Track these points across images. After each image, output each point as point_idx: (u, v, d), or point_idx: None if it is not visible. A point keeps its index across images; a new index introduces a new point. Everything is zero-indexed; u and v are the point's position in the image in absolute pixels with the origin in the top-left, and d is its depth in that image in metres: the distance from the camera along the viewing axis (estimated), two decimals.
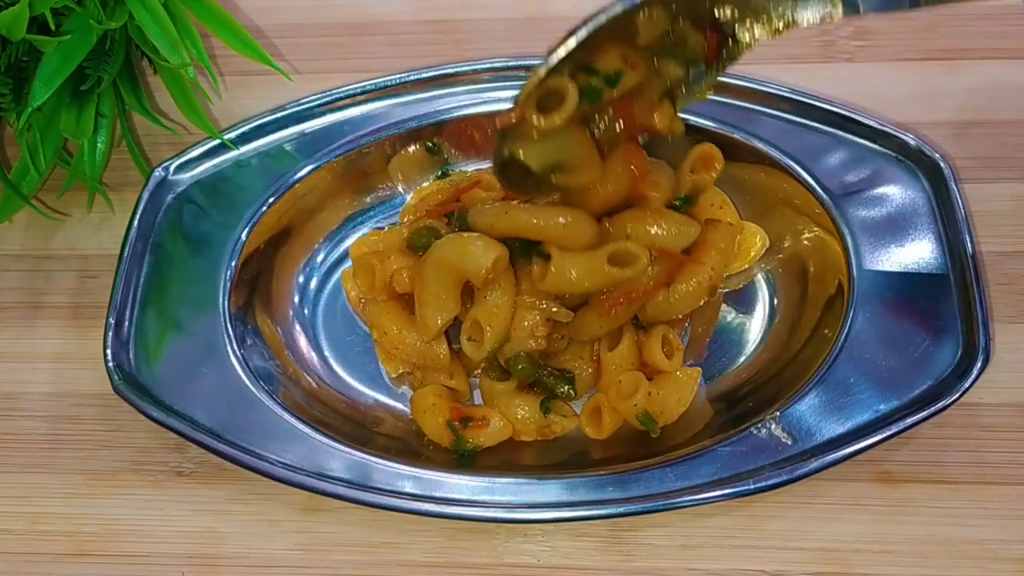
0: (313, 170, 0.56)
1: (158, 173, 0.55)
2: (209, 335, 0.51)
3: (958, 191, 0.52)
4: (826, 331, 0.50)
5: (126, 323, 0.51)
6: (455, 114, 0.57)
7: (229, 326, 0.52)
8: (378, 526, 0.49)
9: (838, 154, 0.54)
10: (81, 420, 0.53)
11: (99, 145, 0.57)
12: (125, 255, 0.53)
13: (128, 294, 0.52)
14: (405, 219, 0.56)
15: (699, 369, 0.51)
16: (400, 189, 0.58)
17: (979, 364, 0.47)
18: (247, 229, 0.54)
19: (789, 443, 0.47)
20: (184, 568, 0.49)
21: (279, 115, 0.56)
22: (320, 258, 0.57)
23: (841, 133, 0.54)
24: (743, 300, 0.54)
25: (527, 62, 0.57)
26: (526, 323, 0.49)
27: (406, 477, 0.48)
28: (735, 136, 0.54)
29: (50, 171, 0.57)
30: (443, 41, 0.63)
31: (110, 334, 0.50)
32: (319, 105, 0.57)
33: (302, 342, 0.55)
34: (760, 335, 0.53)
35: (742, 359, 0.53)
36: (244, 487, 0.50)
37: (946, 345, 0.49)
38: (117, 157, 0.60)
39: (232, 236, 0.54)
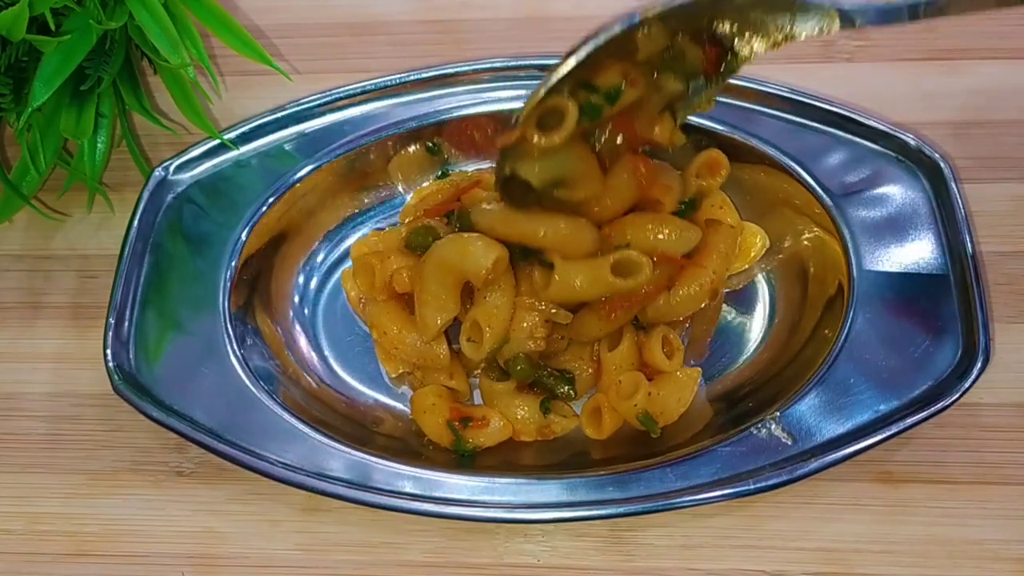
0: (313, 170, 0.56)
1: (158, 173, 0.55)
2: (209, 335, 0.51)
3: (958, 191, 0.52)
4: (826, 331, 0.51)
5: (126, 323, 0.51)
6: (455, 114, 0.57)
7: (229, 326, 0.52)
8: (378, 526, 0.49)
9: (838, 154, 0.54)
10: (81, 420, 0.53)
11: (99, 145, 0.57)
12: (125, 255, 0.53)
13: (128, 294, 0.52)
14: (405, 219, 0.56)
15: (699, 369, 0.51)
16: (400, 189, 0.58)
17: (979, 364, 0.47)
18: (247, 229, 0.54)
19: (789, 443, 0.47)
20: (184, 568, 0.49)
21: (279, 115, 0.56)
22: (320, 258, 0.57)
23: (841, 133, 0.54)
24: (743, 300, 0.54)
25: (527, 62, 0.57)
26: (525, 324, 0.49)
27: (406, 477, 0.48)
28: (735, 136, 0.54)
29: (50, 171, 0.57)
30: (443, 41, 0.63)
31: (110, 334, 0.50)
32: (319, 105, 0.57)
33: (302, 342, 0.55)
34: (760, 335, 0.53)
35: (742, 359, 0.53)
36: (244, 487, 0.50)
37: (946, 345, 0.49)
38: (117, 157, 0.60)
39: (232, 236, 0.54)
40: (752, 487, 0.46)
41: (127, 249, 0.53)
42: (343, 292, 0.55)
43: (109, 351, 0.50)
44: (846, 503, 0.48)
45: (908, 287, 0.50)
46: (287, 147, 0.56)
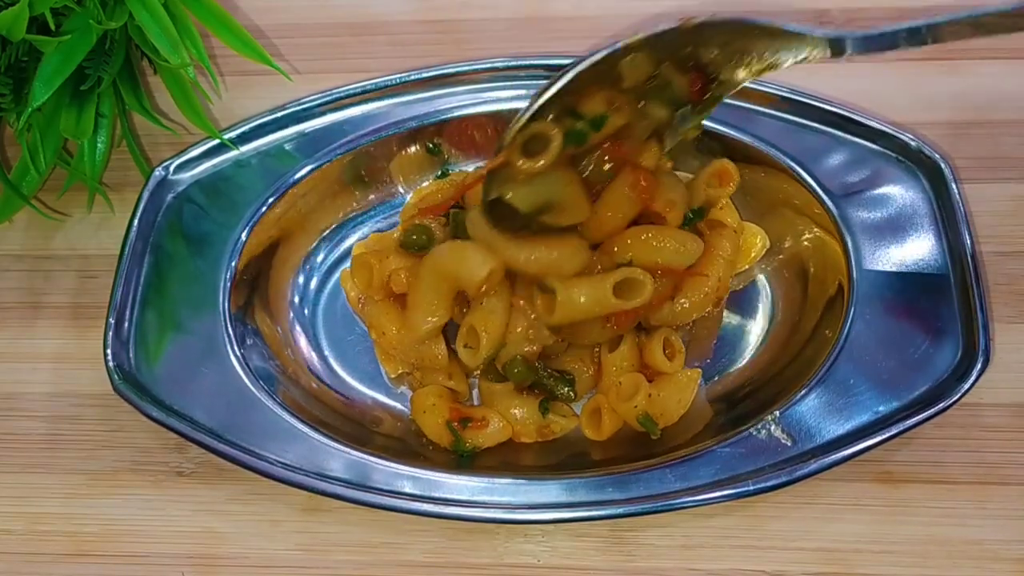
0: (313, 170, 0.56)
1: (158, 172, 0.55)
2: (209, 335, 0.51)
3: (958, 191, 0.52)
4: (826, 332, 0.50)
5: (126, 323, 0.51)
6: (455, 114, 0.57)
7: (229, 326, 0.52)
8: (378, 526, 0.49)
9: (838, 155, 0.54)
10: (81, 420, 0.53)
11: (99, 145, 0.57)
12: (125, 255, 0.53)
13: (128, 294, 0.52)
14: (405, 219, 0.56)
15: (699, 370, 0.51)
16: (400, 189, 0.58)
17: (979, 366, 0.47)
18: (247, 229, 0.54)
19: (789, 444, 0.47)
20: (184, 568, 0.49)
21: (279, 115, 0.56)
22: (320, 258, 0.57)
23: (841, 133, 0.54)
24: (743, 301, 0.54)
25: (527, 62, 0.57)
26: (519, 328, 0.49)
27: (406, 477, 0.48)
28: (736, 136, 0.54)
29: (50, 171, 0.57)
30: (443, 41, 0.63)
31: (110, 334, 0.50)
32: (319, 105, 0.57)
33: (302, 342, 0.55)
34: (760, 336, 0.53)
35: (742, 360, 0.53)
36: (244, 487, 0.50)
37: (946, 346, 0.49)
38: (117, 157, 0.60)
39: (232, 236, 0.54)
40: (752, 488, 0.46)
41: (127, 249, 0.53)
42: (343, 292, 0.55)
43: (109, 351, 0.50)
44: (846, 503, 0.48)
45: (908, 287, 0.50)
46: (287, 147, 0.56)
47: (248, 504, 0.50)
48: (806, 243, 0.54)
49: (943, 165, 0.52)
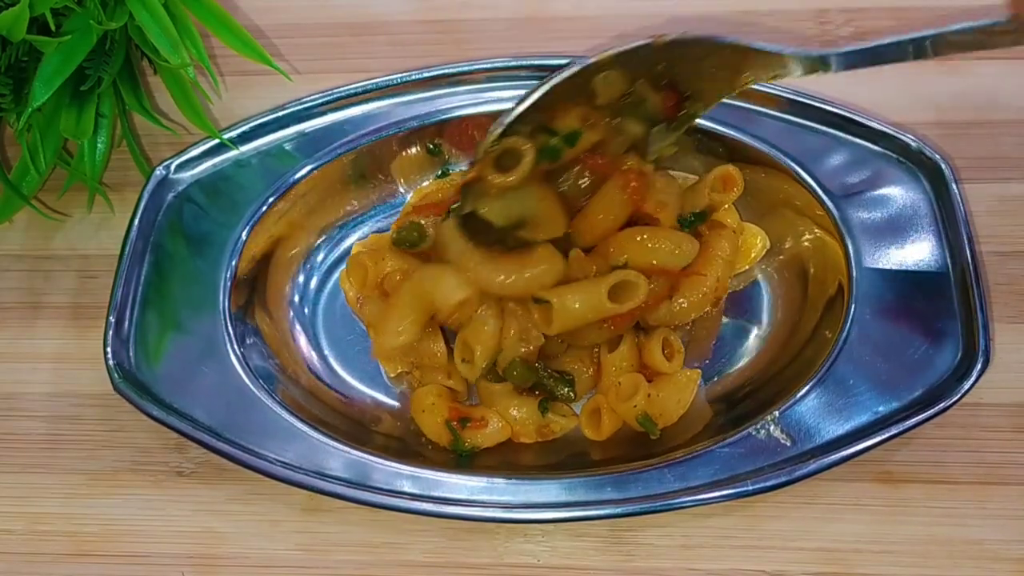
0: (313, 170, 0.56)
1: (159, 172, 0.55)
2: (209, 334, 0.51)
3: (958, 192, 0.52)
4: (826, 332, 0.50)
5: (126, 322, 0.51)
6: (455, 114, 0.57)
7: (229, 325, 0.52)
8: (378, 526, 0.49)
9: (838, 155, 0.54)
10: (81, 420, 0.53)
11: (99, 145, 0.57)
12: (125, 254, 0.53)
13: (128, 293, 0.52)
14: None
15: (698, 371, 0.51)
16: (400, 189, 0.58)
17: (979, 366, 0.47)
18: (247, 229, 0.54)
19: (788, 444, 0.47)
20: (184, 568, 0.49)
21: (279, 115, 0.56)
22: (320, 258, 0.57)
23: (841, 134, 0.54)
24: (743, 301, 0.54)
25: (527, 62, 0.57)
26: (513, 332, 0.49)
27: (406, 477, 0.48)
28: (736, 137, 0.54)
29: (50, 171, 0.57)
30: (443, 41, 0.63)
31: (110, 332, 0.50)
32: (319, 105, 0.57)
33: (302, 341, 0.55)
34: (760, 336, 0.53)
35: (742, 360, 0.53)
36: (244, 487, 0.50)
37: (946, 347, 0.49)
38: (117, 157, 0.60)
39: (232, 236, 0.54)
40: (751, 488, 0.46)
41: (127, 248, 0.53)
42: (343, 292, 0.55)
43: (109, 350, 0.50)
44: (846, 503, 0.48)
45: (908, 288, 0.50)
46: (287, 147, 0.56)
47: (248, 504, 0.50)
48: (806, 244, 0.54)
49: (943, 166, 0.52)
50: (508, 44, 0.62)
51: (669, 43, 0.46)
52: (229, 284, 0.53)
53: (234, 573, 0.49)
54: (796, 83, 0.55)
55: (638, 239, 0.50)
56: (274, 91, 0.58)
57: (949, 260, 0.51)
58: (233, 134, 0.56)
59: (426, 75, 0.57)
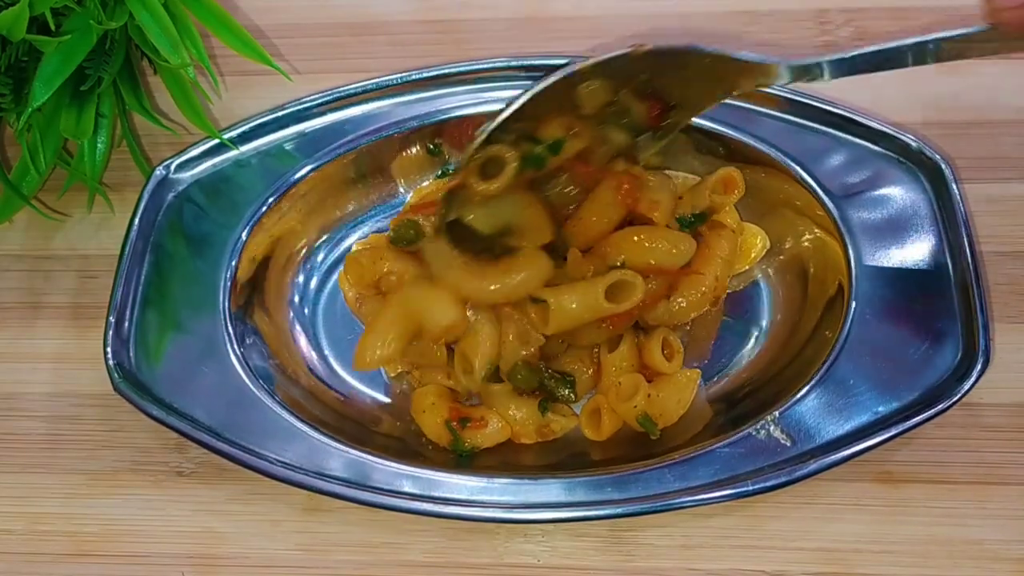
0: (313, 170, 0.55)
1: (159, 172, 0.55)
2: (209, 334, 0.51)
3: (959, 192, 0.52)
4: (826, 332, 0.50)
5: (126, 322, 0.51)
6: (455, 114, 0.57)
7: (229, 325, 0.52)
8: (379, 526, 0.49)
9: (838, 155, 0.54)
10: (81, 420, 0.53)
11: (99, 145, 0.57)
12: (125, 254, 0.53)
13: (128, 293, 0.52)
14: None
15: (698, 371, 0.51)
16: (400, 189, 0.58)
17: (979, 366, 0.47)
18: (247, 229, 0.54)
19: (788, 444, 0.47)
20: (184, 568, 0.49)
21: (279, 115, 0.56)
22: (320, 258, 0.57)
23: (841, 134, 0.54)
24: (743, 301, 0.54)
25: (527, 62, 0.57)
26: (511, 336, 0.49)
27: (406, 477, 0.48)
28: (736, 137, 0.54)
29: (50, 171, 0.57)
30: (443, 41, 0.63)
31: (110, 332, 0.50)
32: (319, 105, 0.57)
33: (302, 341, 0.55)
34: (760, 336, 0.53)
35: (742, 360, 0.53)
36: (244, 487, 0.50)
37: (946, 347, 0.49)
38: (117, 157, 0.60)
39: (232, 236, 0.54)
40: (751, 488, 0.46)
41: (127, 248, 0.53)
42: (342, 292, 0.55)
43: (109, 349, 0.50)
44: (846, 503, 0.48)
45: (908, 288, 0.50)
46: (287, 147, 0.56)
47: (248, 504, 0.50)
48: (806, 244, 0.54)
49: (944, 166, 0.52)
50: (508, 44, 0.62)
51: (649, 52, 0.46)
52: (229, 284, 0.53)
53: (234, 573, 0.49)
54: (797, 84, 0.55)
55: (635, 239, 0.50)
56: (274, 91, 0.58)
57: (949, 260, 0.51)
58: (233, 134, 0.56)
59: (426, 75, 0.57)
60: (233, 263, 0.53)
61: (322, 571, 0.48)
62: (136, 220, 0.53)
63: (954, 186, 0.52)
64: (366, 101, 0.57)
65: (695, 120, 0.53)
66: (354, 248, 0.56)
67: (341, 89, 0.57)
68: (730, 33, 0.62)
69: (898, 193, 0.53)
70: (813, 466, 0.46)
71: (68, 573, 0.49)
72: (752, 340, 0.53)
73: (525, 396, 0.51)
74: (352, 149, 0.56)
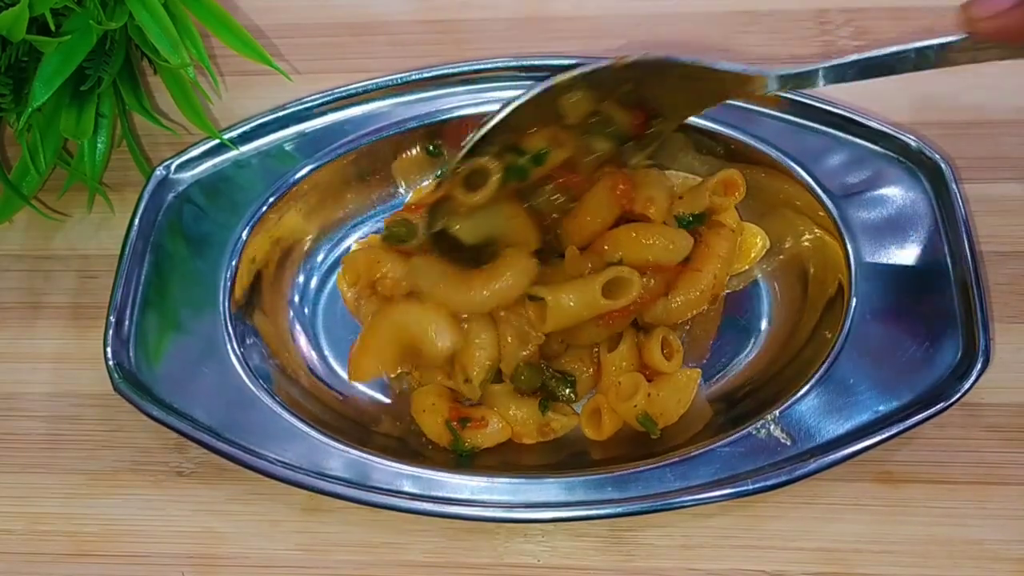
0: (313, 170, 0.55)
1: (159, 172, 0.55)
2: (209, 334, 0.51)
3: (958, 192, 0.52)
4: (826, 332, 0.50)
5: (126, 322, 0.51)
6: (455, 114, 0.57)
7: (229, 325, 0.52)
8: (379, 526, 0.49)
9: (838, 155, 0.54)
10: (81, 420, 0.53)
11: (99, 145, 0.57)
12: (125, 254, 0.53)
13: (128, 293, 0.52)
14: None
15: (698, 370, 0.51)
16: (400, 189, 0.58)
17: (979, 366, 0.47)
18: (247, 229, 0.54)
19: (788, 444, 0.47)
20: (184, 568, 0.49)
21: (279, 115, 0.56)
22: (320, 258, 0.57)
23: (841, 134, 0.54)
24: (743, 301, 0.54)
25: (527, 62, 0.57)
26: (510, 337, 0.50)
27: (406, 477, 0.48)
28: (736, 136, 0.54)
29: (50, 171, 0.57)
30: (443, 41, 0.63)
31: (110, 333, 0.50)
32: (319, 105, 0.57)
33: (302, 341, 0.55)
34: (760, 336, 0.53)
35: (742, 360, 0.53)
36: (244, 487, 0.50)
37: (946, 346, 0.49)
38: (117, 157, 0.60)
39: (232, 236, 0.54)
40: (751, 487, 0.46)
41: (127, 249, 0.53)
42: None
43: (109, 350, 0.50)
44: (846, 503, 0.48)
45: (908, 288, 0.50)
46: (287, 147, 0.56)
47: (248, 504, 0.50)
48: (806, 243, 0.54)
49: (943, 165, 0.52)
50: (508, 44, 0.62)
51: (630, 64, 0.47)
52: (229, 284, 0.53)
53: (234, 573, 0.49)
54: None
55: (632, 235, 0.50)
56: (274, 91, 0.58)
57: (949, 260, 0.51)
58: (233, 134, 0.56)
59: (426, 75, 0.57)
60: (233, 263, 0.53)
61: (322, 571, 0.48)
62: (136, 221, 0.53)
63: (954, 186, 0.52)
64: (366, 101, 0.57)
65: (695, 120, 0.54)
66: (352, 248, 0.56)
67: (341, 89, 0.57)
68: (730, 33, 0.62)
69: (898, 193, 0.53)
70: (813, 465, 0.46)
71: (68, 573, 0.49)
72: (752, 339, 0.53)
73: (525, 396, 0.51)
74: (352, 149, 0.56)
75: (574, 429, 0.51)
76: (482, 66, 0.57)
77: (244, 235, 0.54)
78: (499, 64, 0.57)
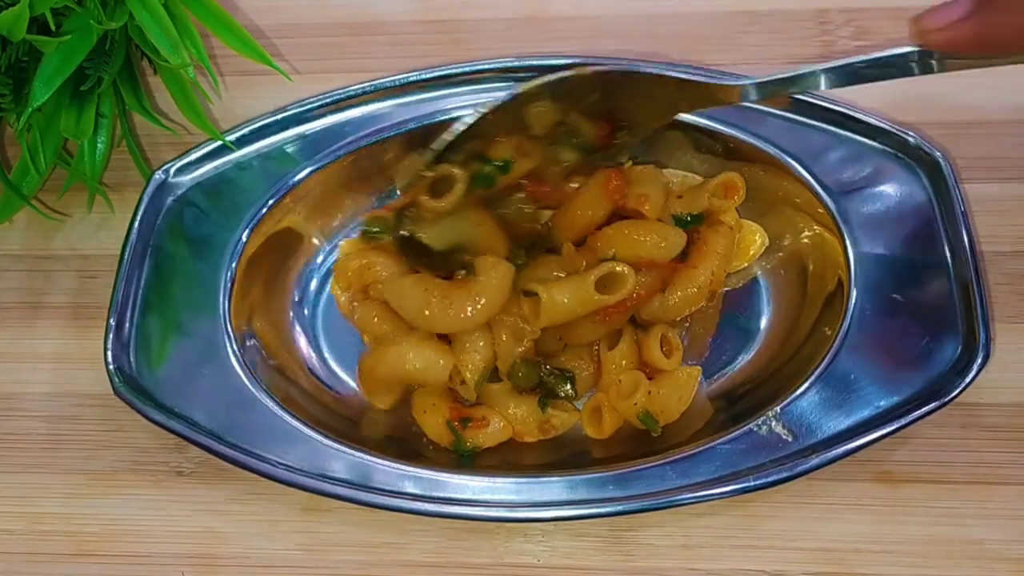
0: (313, 171, 0.55)
1: (158, 176, 0.55)
2: (209, 336, 0.51)
3: (957, 187, 0.52)
4: (826, 329, 0.50)
5: (127, 325, 0.51)
6: (456, 115, 0.57)
7: (229, 327, 0.51)
8: (379, 526, 0.49)
9: (837, 152, 0.54)
10: (81, 420, 0.53)
11: (99, 145, 0.57)
12: (125, 257, 0.52)
13: (128, 296, 0.52)
14: None
15: (699, 368, 0.51)
16: (400, 190, 0.58)
17: (979, 360, 0.47)
18: (247, 231, 0.54)
19: (789, 440, 0.47)
20: (184, 568, 0.49)
21: (279, 116, 0.56)
22: (320, 259, 0.57)
23: (840, 131, 0.54)
24: (743, 298, 0.54)
25: (527, 62, 0.57)
26: (505, 335, 0.50)
27: (406, 477, 0.47)
28: (734, 134, 0.54)
29: (50, 171, 0.57)
30: (443, 41, 0.63)
31: (111, 336, 0.50)
32: (320, 106, 0.57)
33: (302, 343, 0.55)
34: (760, 333, 0.53)
35: (742, 357, 0.53)
36: (244, 487, 0.50)
37: (946, 342, 0.49)
38: (117, 157, 0.60)
39: (232, 238, 0.54)
40: (753, 483, 0.46)
41: (127, 252, 0.53)
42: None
43: (110, 353, 0.50)
44: (846, 503, 0.48)
45: (908, 284, 0.50)
46: (288, 149, 0.56)
47: (248, 504, 0.50)
48: (805, 240, 0.54)
49: (943, 162, 0.52)
50: (508, 44, 0.62)
51: (593, 75, 0.47)
52: (229, 286, 0.53)
53: (234, 573, 0.49)
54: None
55: (624, 232, 0.50)
56: (274, 91, 0.58)
57: (948, 255, 0.51)
58: (233, 136, 0.56)
59: (426, 76, 0.57)
60: (233, 265, 0.53)
61: (322, 571, 0.48)
62: (136, 223, 0.53)
63: (952, 181, 0.52)
64: (366, 102, 0.57)
65: (694, 118, 0.53)
66: (339, 248, 0.56)
67: (341, 90, 0.57)
68: (730, 33, 0.62)
69: (897, 189, 0.53)
70: (815, 461, 0.46)
71: (68, 573, 0.49)
72: (752, 337, 0.53)
73: (524, 394, 0.51)
74: (352, 151, 0.56)
75: (575, 428, 0.51)
76: (483, 66, 0.57)
77: (244, 237, 0.54)
78: (500, 64, 0.57)
